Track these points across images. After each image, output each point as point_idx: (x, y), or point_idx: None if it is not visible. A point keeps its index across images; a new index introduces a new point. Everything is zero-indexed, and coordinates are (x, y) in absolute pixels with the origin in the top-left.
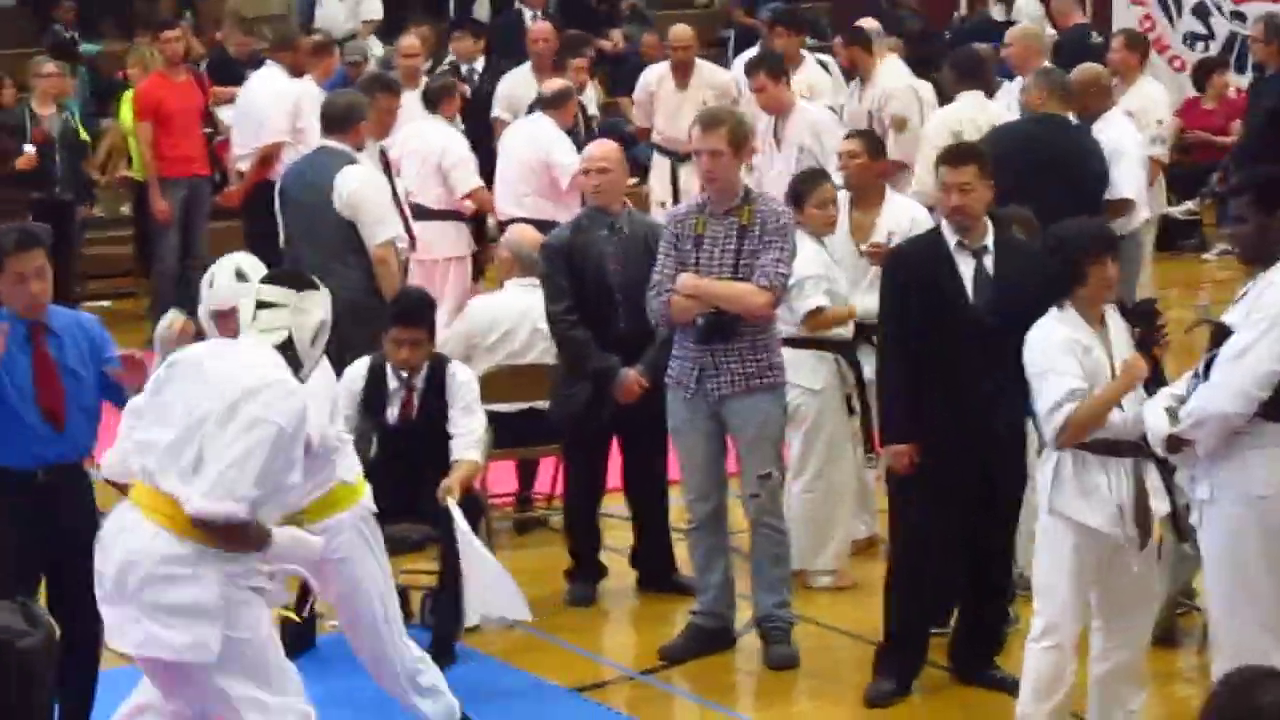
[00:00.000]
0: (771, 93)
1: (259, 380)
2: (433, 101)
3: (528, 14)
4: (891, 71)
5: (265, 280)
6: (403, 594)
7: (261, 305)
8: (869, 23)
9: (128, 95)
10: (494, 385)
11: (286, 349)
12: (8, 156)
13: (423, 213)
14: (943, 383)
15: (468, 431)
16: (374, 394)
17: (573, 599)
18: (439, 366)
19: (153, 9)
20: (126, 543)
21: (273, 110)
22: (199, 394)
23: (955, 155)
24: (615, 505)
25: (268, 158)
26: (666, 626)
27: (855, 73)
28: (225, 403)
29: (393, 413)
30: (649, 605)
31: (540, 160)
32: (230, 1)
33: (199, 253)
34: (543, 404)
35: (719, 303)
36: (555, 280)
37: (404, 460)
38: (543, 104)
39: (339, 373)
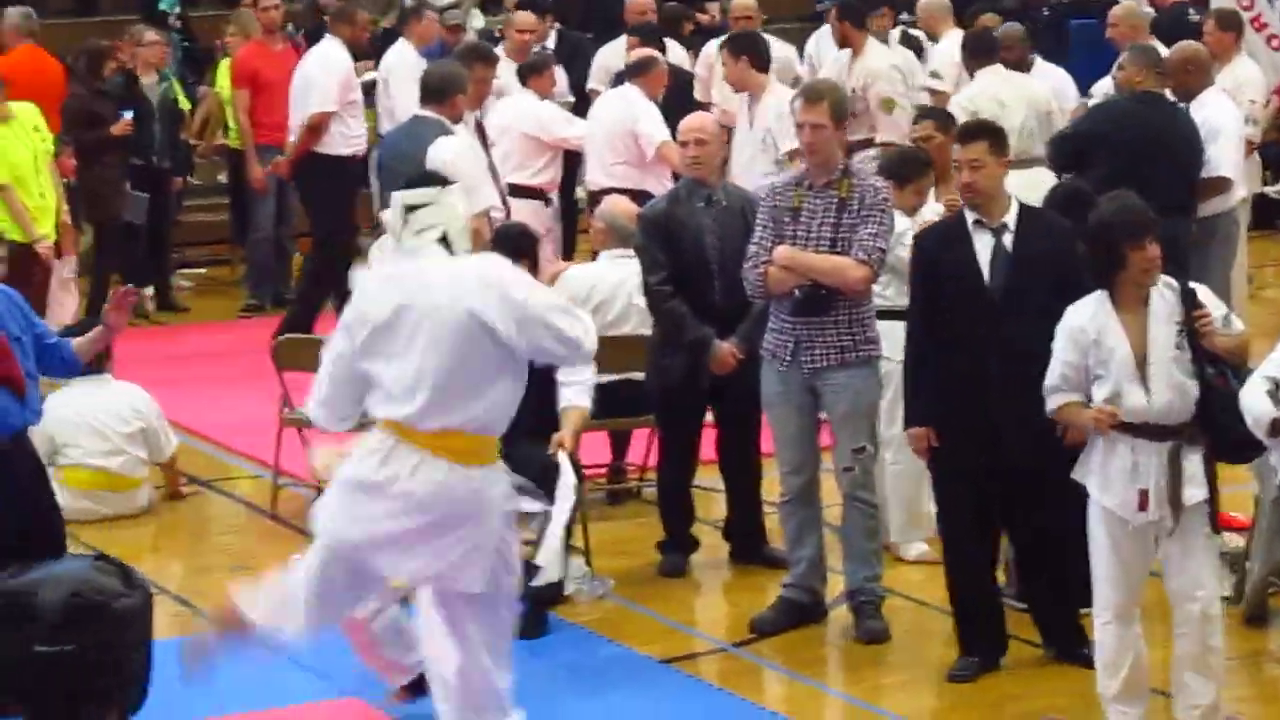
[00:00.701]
0: (733, 71)
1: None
2: (525, 76)
3: None
4: (878, 51)
5: (406, 185)
6: None
7: (410, 209)
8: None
9: (225, 63)
10: None
11: (444, 242)
12: (106, 123)
13: (510, 190)
14: (959, 362)
15: (579, 379)
16: None
17: (665, 570)
18: None
19: None
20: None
21: (322, 81)
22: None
23: (966, 132)
24: (708, 477)
25: (315, 128)
26: (758, 599)
27: (848, 45)
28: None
29: None
30: (740, 578)
31: (628, 130)
32: None
33: (292, 220)
34: (638, 375)
35: (816, 275)
36: (652, 252)
37: None
38: (629, 73)
39: None
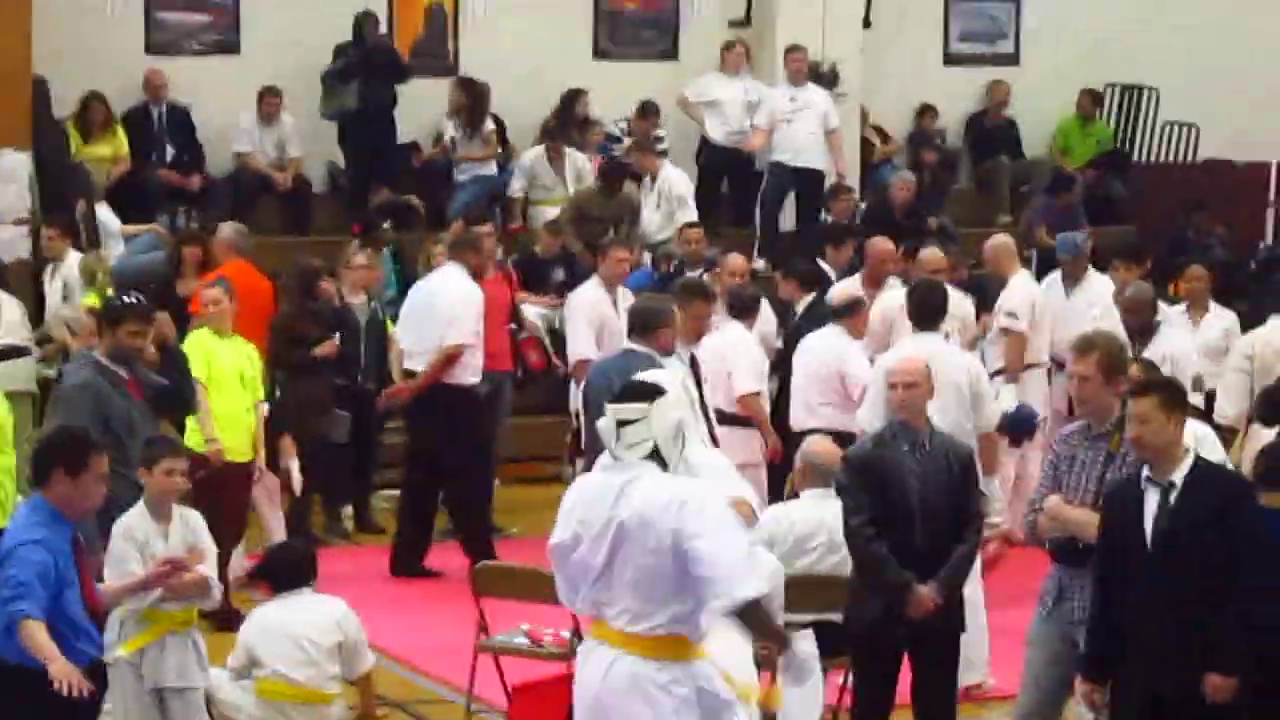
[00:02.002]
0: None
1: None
2: (739, 310)
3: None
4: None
5: (617, 400)
6: None
7: (622, 424)
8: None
9: None
10: (787, 594)
11: (654, 456)
12: (313, 344)
13: (720, 417)
14: (1124, 619)
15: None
16: None
17: None
18: None
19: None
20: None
21: (462, 312)
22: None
23: (1137, 387)
24: None
25: (451, 359)
26: None
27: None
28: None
29: None
30: None
31: (834, 371)
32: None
33: (497, 446)
34: (835, 615)
35: (1071, 529)
36: (855, 493)
37: None
38: (835, 314)
39: None
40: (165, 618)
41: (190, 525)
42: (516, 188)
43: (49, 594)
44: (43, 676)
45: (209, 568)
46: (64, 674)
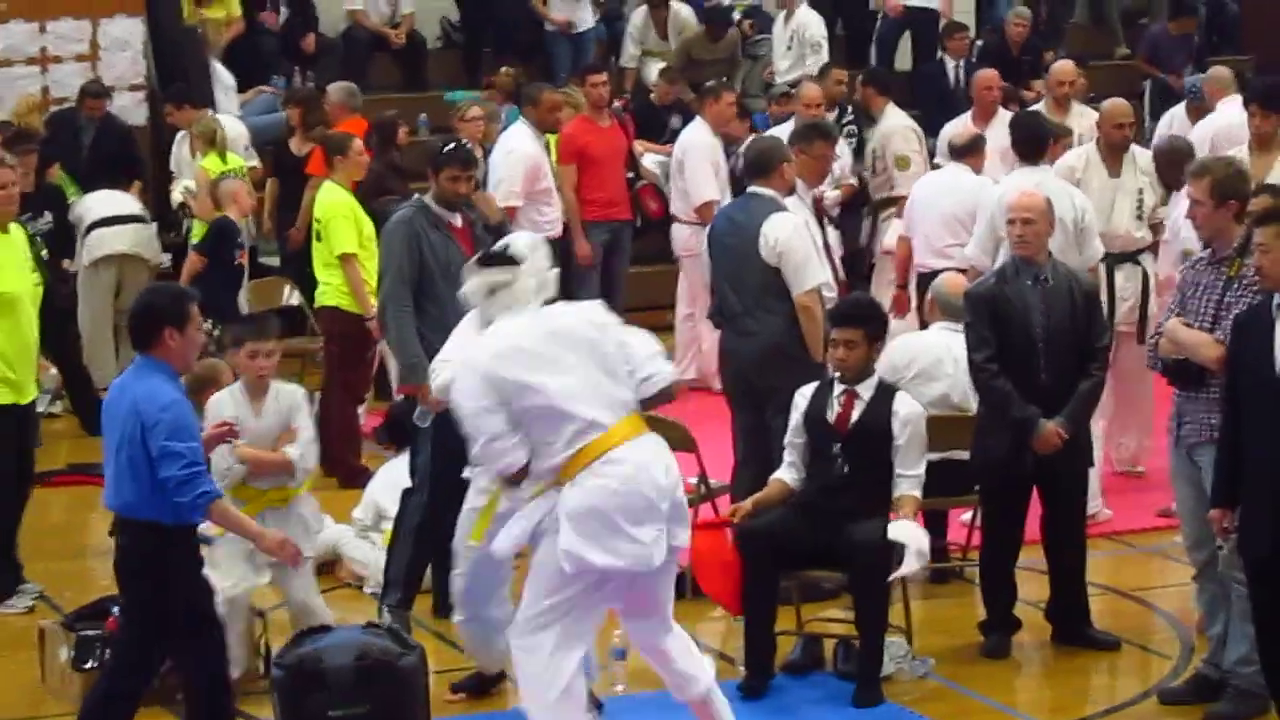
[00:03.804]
0: None
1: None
2: (959, 152)
3: (950, 63)
4: (894, 113)
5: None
6: (814, 641)
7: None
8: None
9: (551, 138)
10: None
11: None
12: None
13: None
14: (1253, 449)
15: (915, 473)
16: (818, 402)
17: (987, 651)
18: (887, 390)
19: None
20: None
21: (506, 175)
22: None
23: (1260, 216)
24: (1032, 557)
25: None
26: (1080, 680)
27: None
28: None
29: (831, 414)
30: (1063, 659)
31: (965, 210)
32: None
33: (619, 296)
34: (960, 454)
35: (1185, 351)
36: (978, 329)
37: (837, 472)
38: (955, 153)
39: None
40: (258, 495)
41: (284, 403)
42: (629, 55)
43: None
44: (187, 533)
45: (297, 448)
46: (278, 545)
